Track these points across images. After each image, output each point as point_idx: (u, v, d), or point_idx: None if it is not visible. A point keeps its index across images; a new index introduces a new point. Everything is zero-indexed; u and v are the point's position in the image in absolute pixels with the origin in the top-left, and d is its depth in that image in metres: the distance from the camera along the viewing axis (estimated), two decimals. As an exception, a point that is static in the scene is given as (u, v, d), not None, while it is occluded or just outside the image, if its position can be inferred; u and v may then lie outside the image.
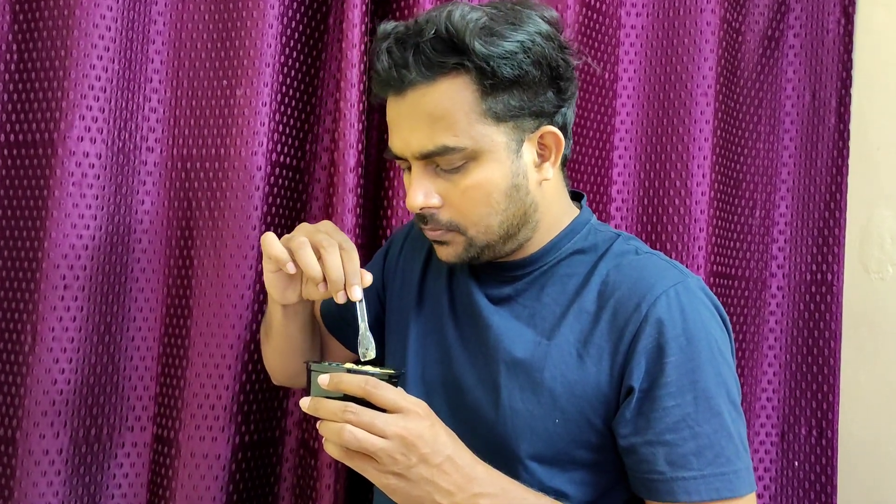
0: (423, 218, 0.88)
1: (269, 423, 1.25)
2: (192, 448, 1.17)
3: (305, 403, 0.77)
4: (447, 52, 0.82)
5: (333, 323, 1.09)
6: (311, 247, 0.87)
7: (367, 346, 0.89)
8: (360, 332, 0.89)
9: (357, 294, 0.86)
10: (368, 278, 0.87)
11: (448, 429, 0.80)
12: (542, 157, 0.88)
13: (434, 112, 0.83)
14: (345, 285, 0.87)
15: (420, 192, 0.86)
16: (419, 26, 0.84)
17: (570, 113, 0.90)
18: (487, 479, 0.79)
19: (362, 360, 0.89)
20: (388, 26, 0.86)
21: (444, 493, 0.76)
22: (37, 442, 1.14)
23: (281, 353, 1.05)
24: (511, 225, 0.88)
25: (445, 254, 0.90)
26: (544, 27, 0.85)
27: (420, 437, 0.75)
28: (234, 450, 1.18)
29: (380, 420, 0.74)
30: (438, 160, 0.85)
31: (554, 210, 0.92)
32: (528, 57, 0.83)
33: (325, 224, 0.92)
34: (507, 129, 0.85)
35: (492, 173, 0.85)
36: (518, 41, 0.83)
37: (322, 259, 0.86)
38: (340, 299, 0.87)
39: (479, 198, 0.86)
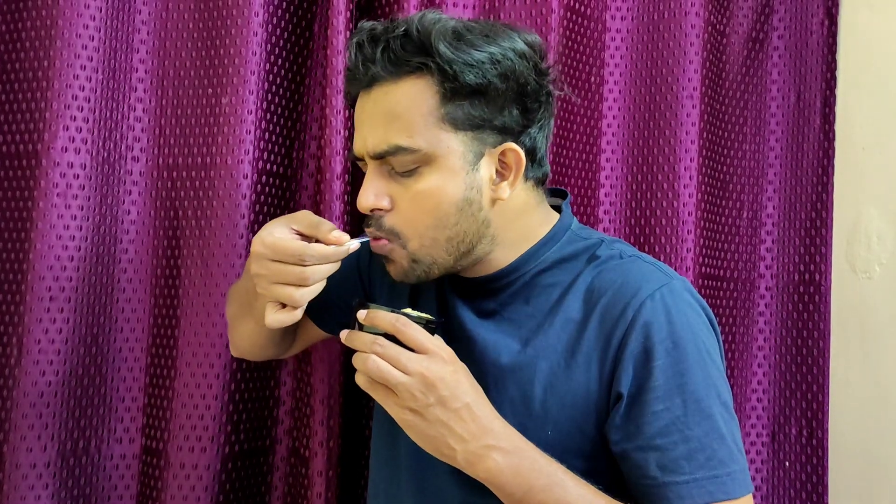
0: (367, 220, 0.88)
1: (259, 432, 1.24)
2: (182, 459, 1.16)
3: (344, 335, 0.80)
4: (413, 52, 0.82)
5: (315, 312, 1.07)
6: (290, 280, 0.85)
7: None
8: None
9: (353, 245, 0.85)
10: (342, 236, 0.85)
11: (473, 380, 0.81)
12: (502, 176, 0.87)
13: (393, 110, 0.83)
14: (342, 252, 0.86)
15: (371, 192, 0.86)
16: (394, 25, 0.84)
17: (540, 137, 0.89)
18: (503, 434, 0.80)
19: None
20: (366, 24, 0.86)
21: (457, 437, 0.77)
22: (24, 455, 1.13)
23: (254, 333, 1.03)
24: (461, 241, 0.86)
25: (392, 271, 0.90)
26: (521, 46, 0.85)
27: (441, 380, 0.77)
28: (224, 460, 1.17)
29: (404, 356, 0.77)
30: (392, 161, 0.84)
31: (518, 225, 0.90)
32: (496, 69, 0.82)
33: (263, 239, 0.85)
34: (466, 138, 0.84)
35: (444, 182, 0.84)
36: (488, 52, 0.82)
37: (309, 283, 0.85)
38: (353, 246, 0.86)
39: (429, 206, 0.84)
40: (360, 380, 0.79)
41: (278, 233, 0.85)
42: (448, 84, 0.82)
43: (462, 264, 0.89)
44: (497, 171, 0.87)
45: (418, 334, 0.78)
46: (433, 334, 0.80)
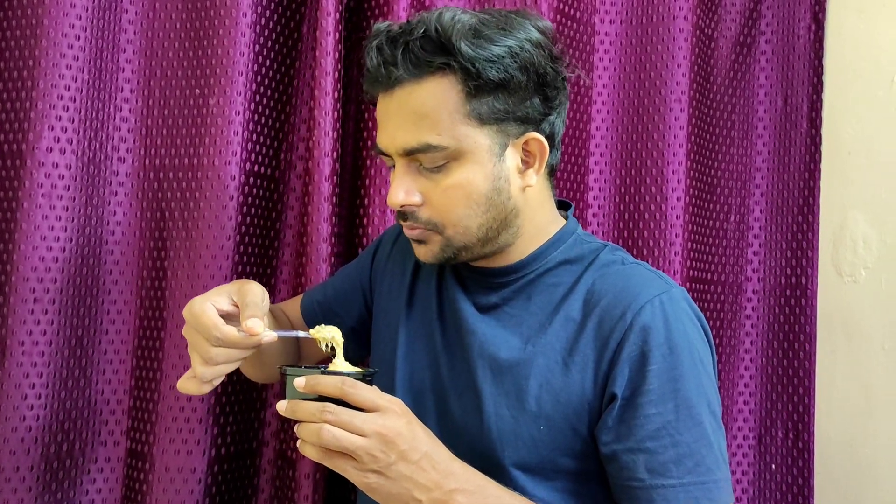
0: (403, 215, 0.89)
1: (246, 434, 1.23)
2: (167, 462, 1.15)
3: (282, 407, 0.78)
4: (435, 52, 0.83)
5: (314, 321, 1.08)
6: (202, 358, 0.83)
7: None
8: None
9: (266, 338, 0.82)
10: (256, 326, 0.81)
11: (425, 426, 0.80)
12: (527, 164, 0.89)
13: (419, 110, 0.84)
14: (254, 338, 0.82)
15: (401, 189, 0.87)
16: (410, 26, 0.85)
17: (558, 122, 0.91)
18: (463, 476, 0.80)
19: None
20: (381, 25, 0.88)
21: (422, 489, 0.77)
22: (7, 458, 1.12)
23: (257, 363, 1.04)
24: (490, 228, 0.88)
25: (423, 253, 0.91)
26: (535, 35, 0.86)
27: (399, 435, 0.76)
28: (210, 462, 1.16)
29: (358, 419, 0.75)
30: (421, 158, 0.85)
31: (538, 218, 0.92)
32: (516, 62, 0.84)
33: (192, 305, 0.84)
34: (491, 132, 0.85)
35: (473, 175, 0.85)
36: (507, 46, 0.84)
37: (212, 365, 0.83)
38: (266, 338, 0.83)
39: (459, 198, 0.86)
40: (309, 451, 0.76)
41: (209, 303, 0.84)
42: (472, 82, 0.83)
43: (485, 252, 0.90)
44: (522, 159, 0.89)
45: (367, 393, 0.76)
46: (371, 385, 0.79)
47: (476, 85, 0.83)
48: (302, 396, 0.77)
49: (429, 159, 0.85)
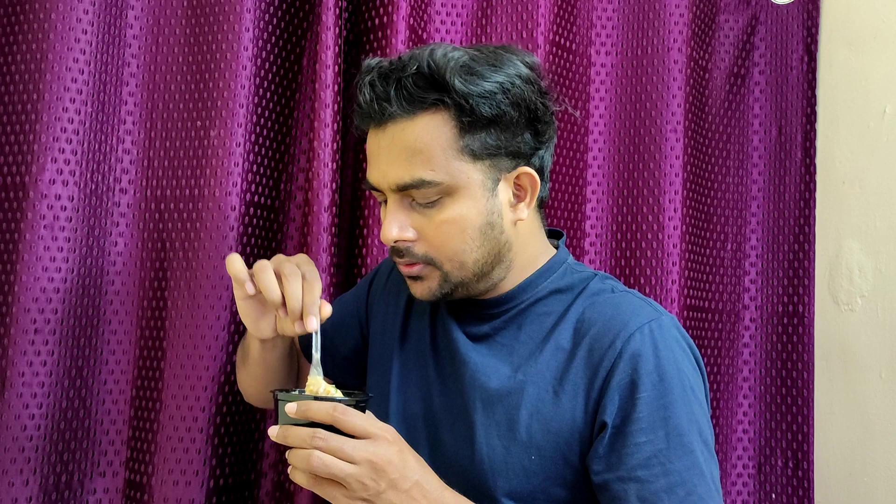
0: (398, 252, 0.89)
1: (244, 465, 1.23)
2: (166, 493, 1.15)
3: (274, 432, 0.78)
4: (428, 88, 0.84)
5: (307, 347, 1.09)
6: (275, 273, 0.88)
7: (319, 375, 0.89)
8: (314, 362, 0.89)
9: (312, 325, 0.87)
10: (327, 310, 0.88)
11: (416, 454, 0.80)
12: (518, 198, 0.90)
13: (413, 146, 0.85)
14: (302, 315, 0.87)
15: (395, 225, 0.87)
16: (402, 62, 0.86)
17: (547, 156, 0.92)
18: None
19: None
20: (372, 61, 0.88)
21: None
22: (5, 490, 1.12)
23: (257, 380, 1.04)
24: (485, 263, 0.89)
25: (419, 290, 0.91)
26: (524, 71, 0.88)
27: (389, 463, 0.76)
28: (209, 494, 1.16)
29: (348, 445, 0.75)
30: (414, 193, 0.86)
31: (529, 250, 0.93)
32: (507, 98, 0.85)
33: (299, 257, 0.92)
34: (484, 167, 0.86)
35: (466, 210, 0.86)
36: (497, 82, 0.85)
37: (283, 286, 0.87)
38: (298, 329, 0.87)
39: (454, 233, 0.86)
40: (299, 478, 0.77)
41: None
42: (465, 118, 0.84)
43: (481, 288, 0.91)
44: (514, 193, 0.89)
45: (358, 420, 0.76)
46: (363, 412, 0.79)
47: (469, 121, 0.84)
48: (294, 422, 0.77)
49: (422, 195, 0.86)
